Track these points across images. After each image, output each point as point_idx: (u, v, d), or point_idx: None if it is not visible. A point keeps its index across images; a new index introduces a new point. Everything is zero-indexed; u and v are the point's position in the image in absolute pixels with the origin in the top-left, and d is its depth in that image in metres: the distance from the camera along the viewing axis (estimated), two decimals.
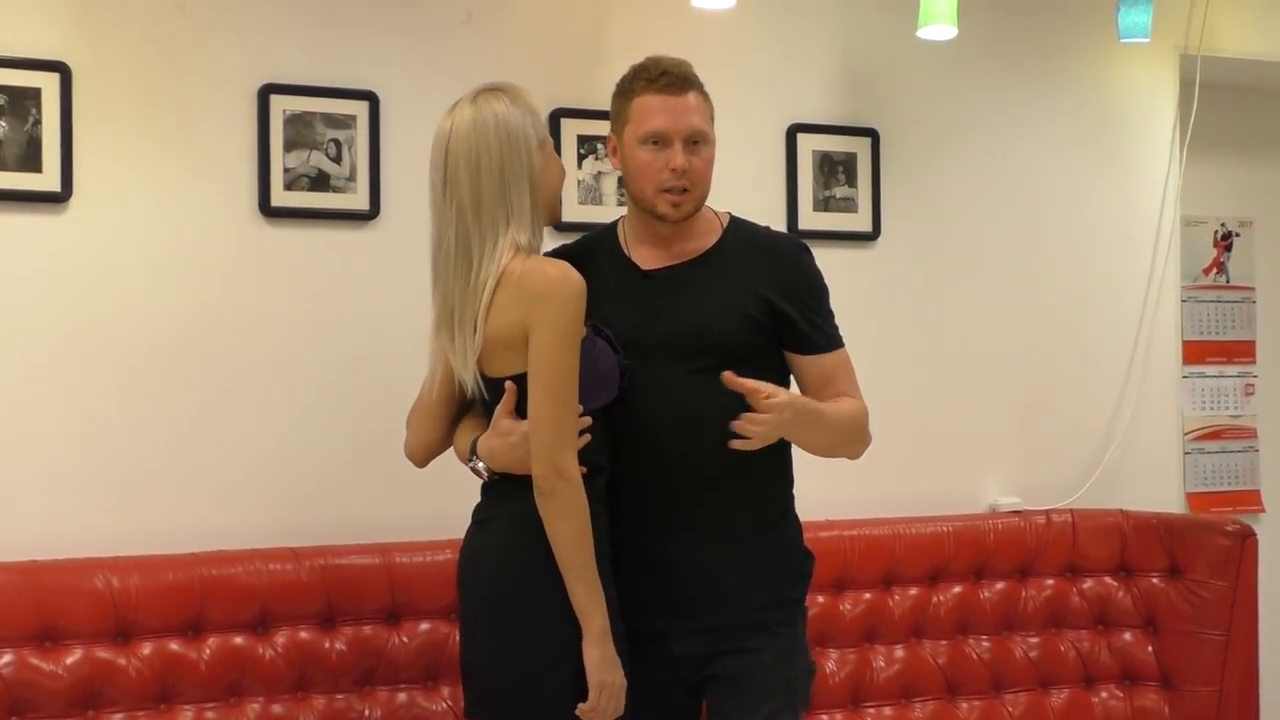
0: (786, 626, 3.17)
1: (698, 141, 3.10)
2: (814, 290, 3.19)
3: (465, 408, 3.15)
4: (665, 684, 3.13)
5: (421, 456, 3.23)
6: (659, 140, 3.08)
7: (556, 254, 3.27)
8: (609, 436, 3.07)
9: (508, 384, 2.97)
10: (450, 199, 2.99)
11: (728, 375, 2.93)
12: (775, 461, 3.17)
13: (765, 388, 2.93)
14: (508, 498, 3.00)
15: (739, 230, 3.22)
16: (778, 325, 3.12)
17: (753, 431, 2.93)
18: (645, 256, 3.17)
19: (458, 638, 3.16)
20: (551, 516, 2.91)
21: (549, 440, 2.90)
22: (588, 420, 2.99)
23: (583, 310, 2.94)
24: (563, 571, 2.91)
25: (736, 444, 2.94)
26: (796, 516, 3.25)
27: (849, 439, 3.18)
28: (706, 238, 3.18)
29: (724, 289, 3.12)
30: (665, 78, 3.09)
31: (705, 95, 3.14)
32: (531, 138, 3.00)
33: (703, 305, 3.10)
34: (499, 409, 3.00)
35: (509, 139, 2.97)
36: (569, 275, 2.94)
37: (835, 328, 3.20)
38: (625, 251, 3.19)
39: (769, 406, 2.93)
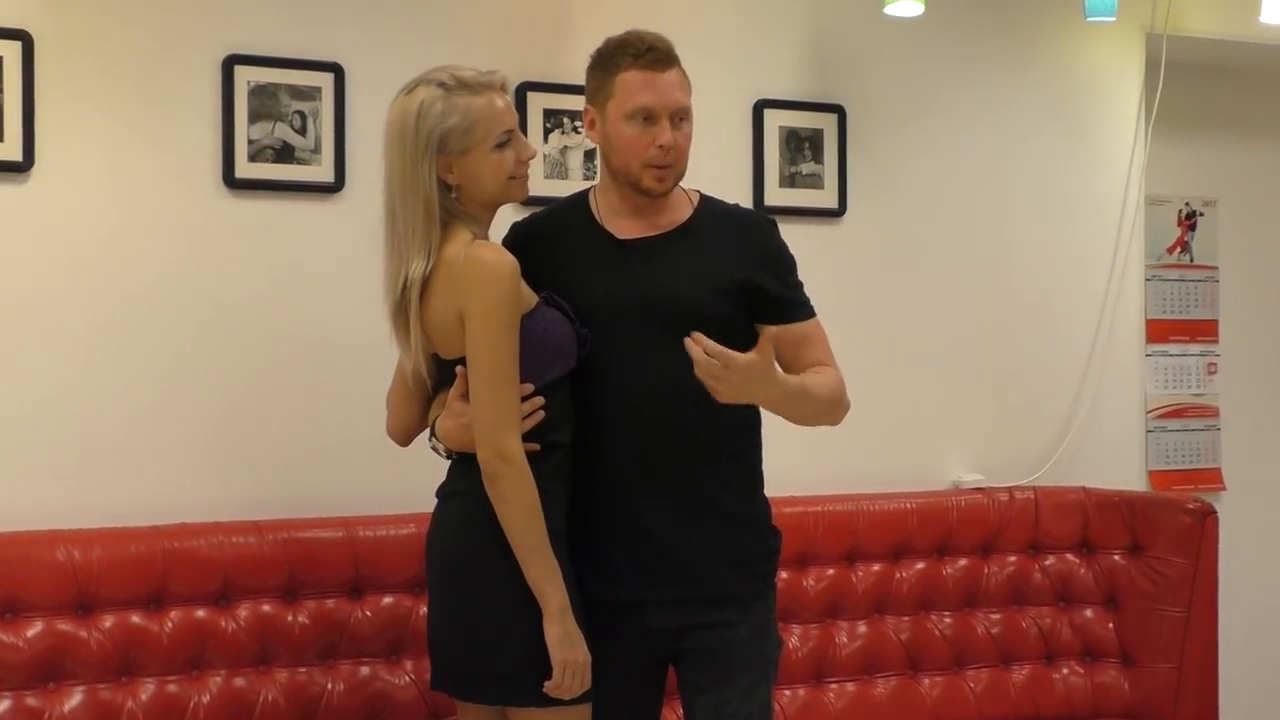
0: (759, 601, 3.18)
1: (683, 118, 3.11)
2: (785, 262, 3.22)
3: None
4: (637, 655, 3.14)
5: (402, 437, 3.25)
6: (647, 116, 3.08)
7: (524, 225, 3.27)
8: (570, 412, 3.06)
9: (458, 369, 2.98)
10: (386, 187, 3.03)
11: (695, 336, 2.85)
12: (747, 434, 3.19)
13: (728, 353, 2.85)
14: (466, 473, 3.00)
15: (711, 206, 3.24)
16: (752, 296, 3.12)
17: (711, 373, 2.85)
18: (621, 227, 3.16)
19: (425, 611, 3.16)
20: (498, 499, 2.92)
21: (489, 424, 2.90)
22: (540, 400, 2.99)
23: (516, 291, 2.93)
24: (515, 552, 2.92)
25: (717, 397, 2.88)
26: (765, 494, 3.25)
27: (828, 409, 3.18)
28: (680, 211, 3.20)
29: (700, 259, 3.12)
30: (651, 54, 3.09)
31: (683, 70, 3.14)
32: (451, 137, 2.97)
33: (679, 274, 3.10)
34: (451, 391, 3.01)
35: (413, 142, 2.96)
36: (501, 258, 2.94)
37: (807, 299, 3.23)
38: (599, 222, 3.18)
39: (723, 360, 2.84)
